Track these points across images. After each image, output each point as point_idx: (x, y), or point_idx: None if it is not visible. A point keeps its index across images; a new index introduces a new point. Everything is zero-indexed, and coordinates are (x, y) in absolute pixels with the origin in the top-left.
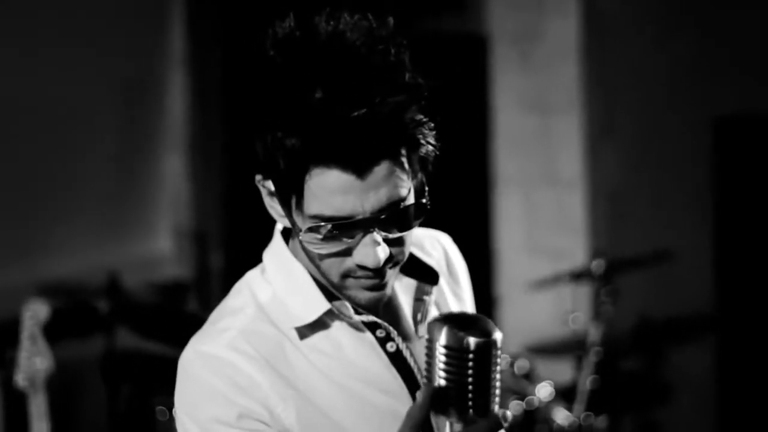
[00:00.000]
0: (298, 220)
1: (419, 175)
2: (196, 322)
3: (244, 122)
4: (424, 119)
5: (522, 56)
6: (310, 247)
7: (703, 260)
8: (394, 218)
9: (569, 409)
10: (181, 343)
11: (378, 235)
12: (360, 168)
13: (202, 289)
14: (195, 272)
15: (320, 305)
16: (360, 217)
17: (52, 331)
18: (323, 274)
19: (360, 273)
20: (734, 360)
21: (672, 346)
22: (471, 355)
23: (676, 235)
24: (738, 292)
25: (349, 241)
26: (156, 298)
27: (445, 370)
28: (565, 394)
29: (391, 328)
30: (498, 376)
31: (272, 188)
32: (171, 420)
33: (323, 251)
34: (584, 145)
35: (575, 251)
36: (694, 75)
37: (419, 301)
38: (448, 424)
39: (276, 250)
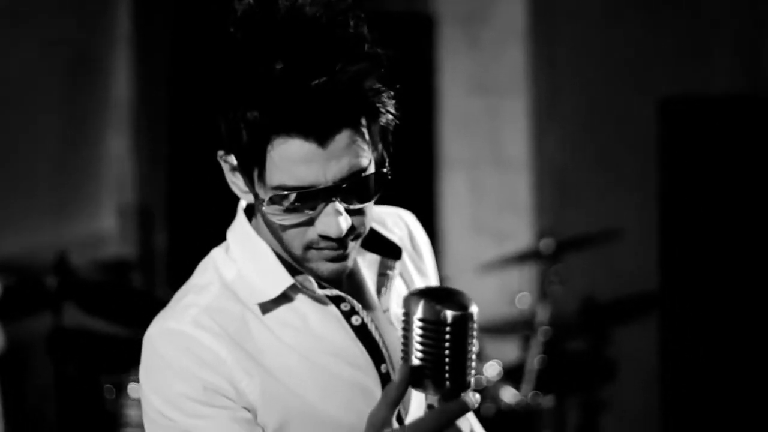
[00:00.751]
0: (261, 192)
1: (380, 146)
2: (141, 299)
3: (206, 99)
4: (383, 88)
5: (469, 37)
6: (273, 219)
7: (648, 240)
8: (355, 188)
9: (517, 388)
10: (127, 320)
11: (340, 205)
12: (321, 136)
13: (146, 267)
14: (139, 250)
15: (284, 280)
16: (322, 186)
17: (2, 310)
18: (286, 248)
19: (322, 244)
20: (678, 339)
21: (617, 325)
22: (448, 328)
23: (622, 215)
24: (682, 272)
25: (311, 212)
26: (101, 275)
27: (422, 343)
28: (513, 374)
29: (355, 302)
30: (474, 348)
31: (234, 163)
32: (118, 398)
33: (286, 222)
34: (530, 127)
35: (520, 232)
36: (640, 56)
37: (383, 276)
38: (424, 396)
39: (239, 228)
